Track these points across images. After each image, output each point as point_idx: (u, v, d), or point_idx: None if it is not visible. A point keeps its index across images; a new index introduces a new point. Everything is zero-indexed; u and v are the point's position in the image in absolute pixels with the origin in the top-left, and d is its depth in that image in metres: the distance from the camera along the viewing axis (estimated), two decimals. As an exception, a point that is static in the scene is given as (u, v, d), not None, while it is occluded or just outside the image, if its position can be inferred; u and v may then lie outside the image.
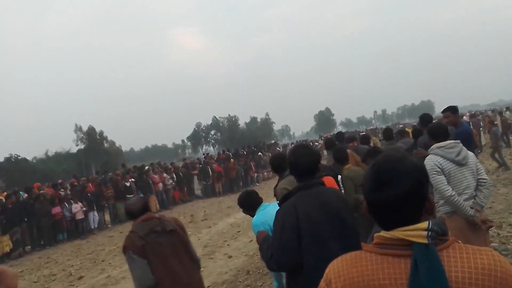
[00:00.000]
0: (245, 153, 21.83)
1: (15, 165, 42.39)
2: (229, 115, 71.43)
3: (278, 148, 26.84)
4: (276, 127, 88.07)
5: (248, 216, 3.45)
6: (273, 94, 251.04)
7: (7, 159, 43.56)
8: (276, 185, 3.49)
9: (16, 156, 44.38)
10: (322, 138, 29.13)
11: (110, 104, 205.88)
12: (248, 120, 75.93)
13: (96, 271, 7.74)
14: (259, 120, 78.29)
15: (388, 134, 6.87)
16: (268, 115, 78.70)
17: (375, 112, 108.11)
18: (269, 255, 2.18)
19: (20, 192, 12.62)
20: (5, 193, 13.19)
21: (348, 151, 5.19)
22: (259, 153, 22.21)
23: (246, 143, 33.85)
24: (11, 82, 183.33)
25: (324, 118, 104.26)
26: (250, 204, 3.38)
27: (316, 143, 28.54)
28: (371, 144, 7.37)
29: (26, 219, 10.99)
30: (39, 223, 11.10)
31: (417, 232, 1.06)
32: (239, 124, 71.88)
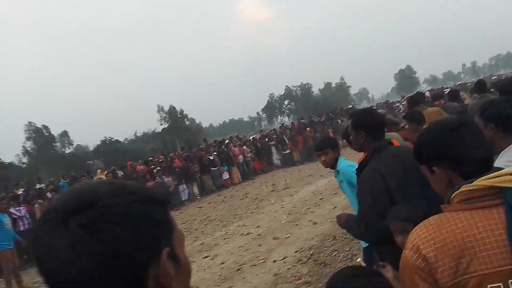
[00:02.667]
0: (321, 120, 21.50)
1: (109, 146, 46.73)
2: (301, 83, 70.46)
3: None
4: (353, 90, 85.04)
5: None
6: (347, 57, 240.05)
7: (103, 142, 48.19)
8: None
9: (110, 138, 48.84)
10: (405, 98, 27.51)
11: (187, 82, 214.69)
12: (322, 87, 74.27)
13: (191, 239, 8.36)
14: (333, 85, 76.19)
15: (480, 86, 5.97)
16: (343, 79, 76.20)
17: (464, 65, 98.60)
18: (362, 228, 2.12)
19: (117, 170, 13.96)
20: (106, 172, 14.71)
21: (436, 109, 4.85)
22: (338, 120, 21.70)
23: (321, 111, 33.25)
24: (100, 70, 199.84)
25: (406, 77, 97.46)
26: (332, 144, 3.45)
27: (397, 104, 27.06)
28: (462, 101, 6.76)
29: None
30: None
31: (505, 177, 1.03)
32: (312, 92, 70.64)
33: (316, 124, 20.07)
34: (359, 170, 2.22)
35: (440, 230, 1.08)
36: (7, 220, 7.47)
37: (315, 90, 70.97)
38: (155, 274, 0.52)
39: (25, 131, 50.97)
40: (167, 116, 55.44)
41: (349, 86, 75.05)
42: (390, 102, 32.41)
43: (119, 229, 0.49)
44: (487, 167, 1.13)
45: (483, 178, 1.05)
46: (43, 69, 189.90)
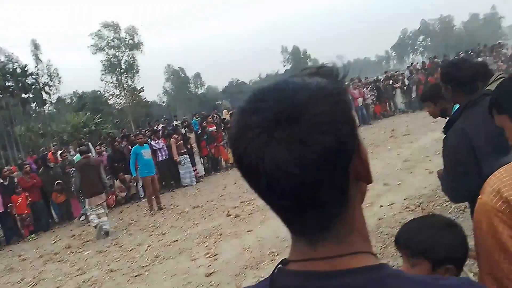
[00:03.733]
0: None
1: (236, 88, 49.58)
2: (441, 15, 62.38)
3: (505, 50, 22.11)
4: (507, 22, 72.04)
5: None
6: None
7: (230, 83, 51.27)
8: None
9: (236, 80, 51.63)
10: None
11: (308, 21, 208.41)
12: (466, 19, 64.67)
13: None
14: (481, 16, 65.69)
15: None
16: (494, 9, 64.92)
17: None
18: (449, 191, 2.07)
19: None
20: (231, 112, 15.83)
21: None
22: (479, 58, 18.93)
23: (463, 48, 29.26)
24: (225, 14, 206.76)
25: None
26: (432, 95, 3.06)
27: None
28: None
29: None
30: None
31: None
32: (454, 26, 62.22)
33: (451, 64, 17.89)
34: (446, 128, 2.08)
35: None
36: (146, 152, 8.66)
37: (458, 23, 62.31)
38: (355, 169, 0.56)
39: (165, 72, 57.17)
40: (290, 57, 55.66)
41: (501, 17, 63.69)
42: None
43: (330, 138, 0.51)
44: None
45: None
46: (176, 15, 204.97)
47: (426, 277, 0.61)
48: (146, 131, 13.36)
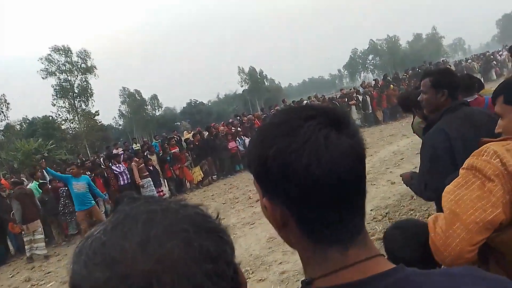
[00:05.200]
0: (407, 77, 20.20)
1: (195, 108, 49.37)
2: (387, 35, 66.03)
3: (450, 66, 23.76)
4: (447, 41, 77.63)
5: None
6: (440, 3, 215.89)
7: (189, 104, 51.00)
8: (412, 122, 3.30)
9: (195, 101, 51.47)
10: (506, 47, 24.45)
11: (264, 41, 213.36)
12: (411, 39, 68.87)
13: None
14: (424, 36, 70.15)
15: None
16: (435, 29, 69.69)
17: None
18: (422, 186, 2.14)
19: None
20: (192, 132, 15.73)
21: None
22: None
23: (409, 65, 31.07)
24: (182, 36, 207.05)
25: (511, 23, 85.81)
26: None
27: (498, 55, 24.21)
28: None
29: (210, 153, 13.00)
30: (220, 156, 12.99)
31: None
32: (400, 45, 65.96)
33: (401, 81, 18.95)
34: (426, 129, 2.21)
35: None
36: (78, 184, 7.81)
37: (403, 43, 66.18)
38: None
39: (120, 95, 55.91)
40: (247, 77, 56.41)
41: (442, 37, 68.49)
42: (489, 53, 29.07)
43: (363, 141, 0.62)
44: None
45: None
46: (132, 34, 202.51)
47: (438, 270, 0.68)
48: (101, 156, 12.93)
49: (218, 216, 0.55)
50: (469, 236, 1.18)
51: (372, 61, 69.90)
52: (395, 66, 51.83)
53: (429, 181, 2.06)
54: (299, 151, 0.56)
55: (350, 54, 73.39)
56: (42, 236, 8.03)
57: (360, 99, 17.15)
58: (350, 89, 20.46)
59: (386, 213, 5.61)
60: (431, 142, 2.07)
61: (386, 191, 6.73)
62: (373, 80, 21.46)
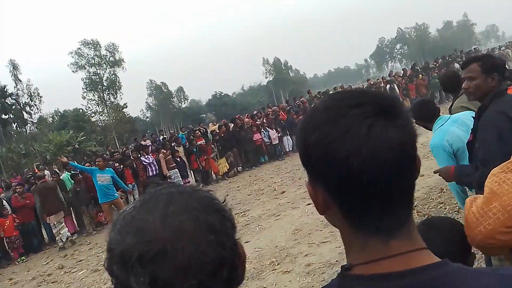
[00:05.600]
0: (436, 66, 19.58)
1: (220, 100, 49.67)
2: (416, 23, 64.03)
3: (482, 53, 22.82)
4: (479, 29, 74.66)
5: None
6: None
7: (214, 96, 51.34)
8: (451, 105, 3.17)
9: (220, 93, 51.73)
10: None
11: (289, 32, 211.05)
12: (441, 26, 66.60)
13: (295, 187, 8.76)
14: (455, 24, 67.74)
15: None
16: (466, 16, 67.15)
17: None
18: (480, 174, 1.97)
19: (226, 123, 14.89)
20: (217, 124, 15.84)
21: None
22: (455, 64, 19.53)
23: (439, 54, 30.10)
24: (208, 28, 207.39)
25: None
26: (425, 114, 2.91)
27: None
28: None
29: (236, 145, 13.07)
30: (245, 148, 13.05)
31: None
32: (429, 33, 63.95)
33: (431, 70, 18.38)
34: (478, 115, 2.12)
35: None
36: (102, 177, 7.97)
37: (433, 31, 64.11)
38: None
39: (147, 88, 56.89)
40: (272, 68, 56.14)
41: (473, 24, 65.86)
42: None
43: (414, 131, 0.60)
44: None
45: None
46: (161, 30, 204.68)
47: (486, 269, 0.65)
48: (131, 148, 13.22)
49: (224, 200, 0.67)
50: (505, 217, 1.14)
51: (400, 50, 68.25)
52: (424, 55, 50.34)
53: (490, 159, 1.92)
54: (340, 140, 0.54)
55: (377, 43, 71.81)
56: (64, 224, 8.60)
57: (387, 89, 16.78)
58: (378, 79, 20.05)
59: (415, 206, 5.49)
60: (494, 125, 2.00)
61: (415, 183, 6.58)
62: (402, 69, 20.90)
